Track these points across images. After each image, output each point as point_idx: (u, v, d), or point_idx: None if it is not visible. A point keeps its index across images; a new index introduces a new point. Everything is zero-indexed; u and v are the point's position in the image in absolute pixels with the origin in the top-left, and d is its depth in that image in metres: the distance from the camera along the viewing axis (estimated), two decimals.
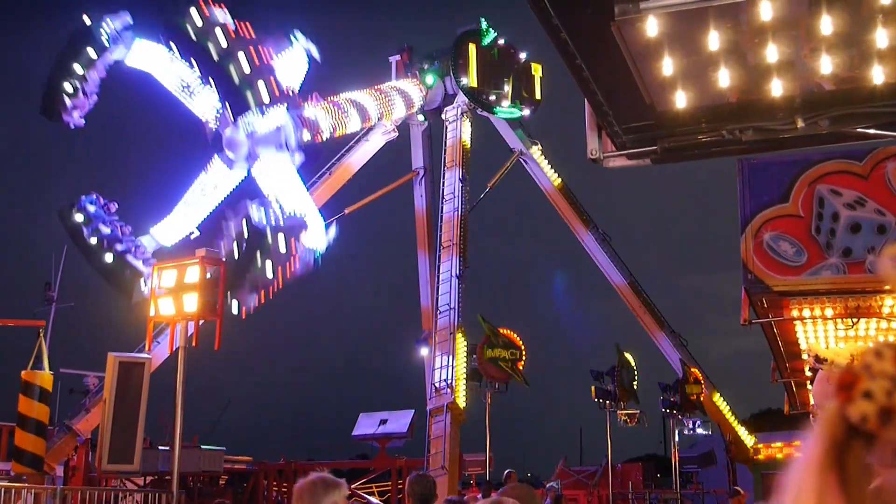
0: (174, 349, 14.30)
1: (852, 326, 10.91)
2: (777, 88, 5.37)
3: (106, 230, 21.09)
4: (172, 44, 19.94)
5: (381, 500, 28.71)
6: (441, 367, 25.04)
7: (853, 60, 5.17)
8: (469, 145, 29.57)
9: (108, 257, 20.92)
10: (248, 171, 20.26)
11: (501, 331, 25.55)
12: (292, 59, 21.24)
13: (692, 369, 29.76)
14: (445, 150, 29.37)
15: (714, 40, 5.02)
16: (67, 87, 20.75)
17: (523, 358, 25.44)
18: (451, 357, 24.94)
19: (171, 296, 13.87)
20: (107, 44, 20.87)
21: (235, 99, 19.17)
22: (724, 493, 32.30)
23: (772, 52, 5.10)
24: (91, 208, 21.24)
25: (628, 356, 29.05)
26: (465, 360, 25.00)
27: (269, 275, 18.34)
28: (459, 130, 29.25)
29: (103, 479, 21.98)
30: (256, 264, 18.28)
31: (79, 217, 21.14)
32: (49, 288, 29.92)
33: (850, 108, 5.51)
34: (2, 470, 24.59)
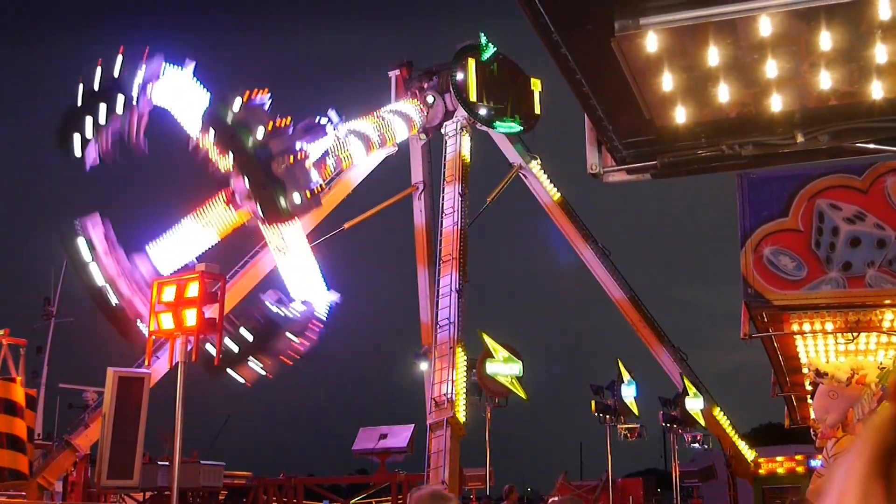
0: (174, 364, 14.17)
1: (852, 340, 10.67)
2: (777, 103, 5.38)
3: (112, 269, 20.87)
4: (213, 129, 19.86)
5: None
6: (441, 382, 25.01)
7: (852, 75, 5.17)
8: (469, 160, 29.63)
9: (113, 300, 20.84)
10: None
11: (501, 345, 25.55)
12: (323, 142, 21.63)
13: (691, 383, 29.72)
14: (445, 165, 29.42)
15: (714, 56, 5.02)
16: (86, 133, 20.38)
17: (523, 372, 25.43)
18: (450, 371, 24.92)
19: (171, 311, 13.84)
20: (135, 100, 20.44)
21: (266, 200, 19.48)
22: None
23: (771, 68, 5.10)
24: (96, 242, 21.00)
25: (628, 370, 29.04)
26: (464, 374, 24.97)
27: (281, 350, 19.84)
28: (459, 145, 29.32)
29: (102, 495, 21.93)
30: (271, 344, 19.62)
31: (84, 250, 20.91)
32: (48, 303, 29.92)
33: (849, 122, 5.51)
34: None
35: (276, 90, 19.98)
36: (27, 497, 20.67)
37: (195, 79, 20.62)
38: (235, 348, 18.81)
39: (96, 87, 20.51)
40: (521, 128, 29.87)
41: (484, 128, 30.18)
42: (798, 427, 19.54)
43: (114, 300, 20.69)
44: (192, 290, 13.51)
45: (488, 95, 28.70)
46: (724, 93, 5.30)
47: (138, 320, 20.12)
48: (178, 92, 20.79)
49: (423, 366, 30.17)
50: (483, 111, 28.84)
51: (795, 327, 10.12)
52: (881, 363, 11.39)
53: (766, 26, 4.76)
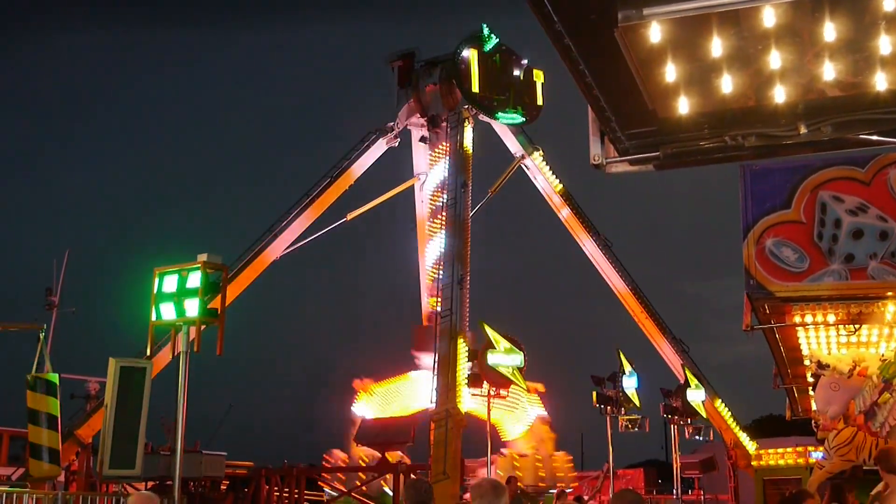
0: (176, 354, 14.16)
1: (854, 332, 10.92)
2: (780, 95, 5.37)
3: None
4: None
5: None
6: (442, 372, 24.97)
7: (856, 67, 5.16)
8: (470, 151, 29.58)
9: None
10: None
11: (503, 336, 25.49)
12: None
13: (692, 375, 29.70)
14: (447, 156, 29.36)
15: (717, 46, 5.01)
16: None
17: (524, 363, 25.37)
18: (452, 362, 24.87)
19: (173, 300, 13.82)
20: None
21: None
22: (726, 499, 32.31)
23: (775, 59, 5.09)
24: None
25: (629, 361, 28.95)
26: (466, 365, 24.94)
27: None
28: (461, 136, 29.24)
29: (104, 485, 21.93)
30: None
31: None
32: (50, 293, 29.87)
33: (852, 114, 5.49)
34: (1, 475, 24.61)
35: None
36: (29, 487, 20.71)
37: None
38: None
39: None
40: (523, 119, 29.80)
41: (486, 119, 30.11)
42: (799, 419, 19.65)
43: None
44: (194, 279, 13.60)
45: (490, 86, 28.62)
46: (727, 83, 5.28)
47: None
48: None
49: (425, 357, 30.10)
50: (485, 102, 28.77)
51: (797, 319, 10.37)
52: (883, 355, 11.56)
53: (769, 17, 4.75)
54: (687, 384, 29.47)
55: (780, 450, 30.14)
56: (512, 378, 24.79)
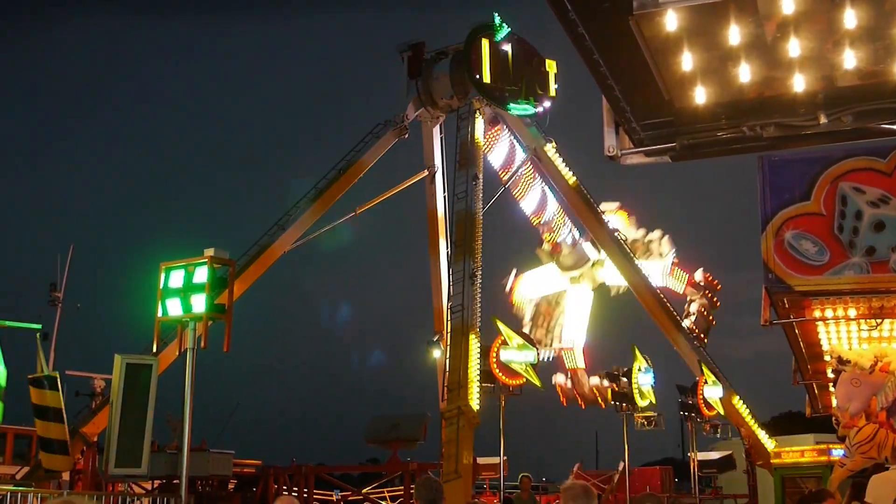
0: (182, 350, 13.98)
1: (876, 327, 10.75)
2: (799, 83, 5.32)
3: None
4: None
5: None
6: (454, 369, 24.63)
7: (877, 54, 5.11)
8: (481, 143, 29.18)
9: None
10: None
11: (516, 332, 25.16)
12: None
13: (709, 371, 29.26)
14: (458, 148, 28.98)
15: (735, 34, 4.97)
16: None
17: (538, 360, 25.04)
18: (464, 359, 24.53)
19: (179, 296, 13.58)
20: None
21: None
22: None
23: (794, 47, 5.05)
24: None
25: (645, 358, 28.59)
26: (478, 361, 24.63)
27: None
28: (472, 128, 28.82)
29: (110, 484, 21.74)
30: None
31: None
32: (54, 289, 29.74)
33: (874, 103, 5.42)
34: (6, 474, 24.45)
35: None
36: (34, 486, 20.55)
37: None
38: None
39: None
40: (536, 110, 29.34)
41: (497, 110, 29.69)
42: (820, 416, 19.43)
43: None
44: (201, 274, 13.44)
45: (502, 77, 28.16)
46: (745, 72, 5.23)
47: None
48: None
49: (436, 353, 29.94)
50: (496, 93, 28.31)
51: (817, 313, 10.17)
52: None
53: (788, 4, 4.69)
54: (704, 381, 29.05)
55: (800, 447, 29.68)
56: (525, 374, 24.45)
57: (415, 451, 28.00)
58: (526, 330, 32.65)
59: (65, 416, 17.34)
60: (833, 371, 12.65)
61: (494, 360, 23.91)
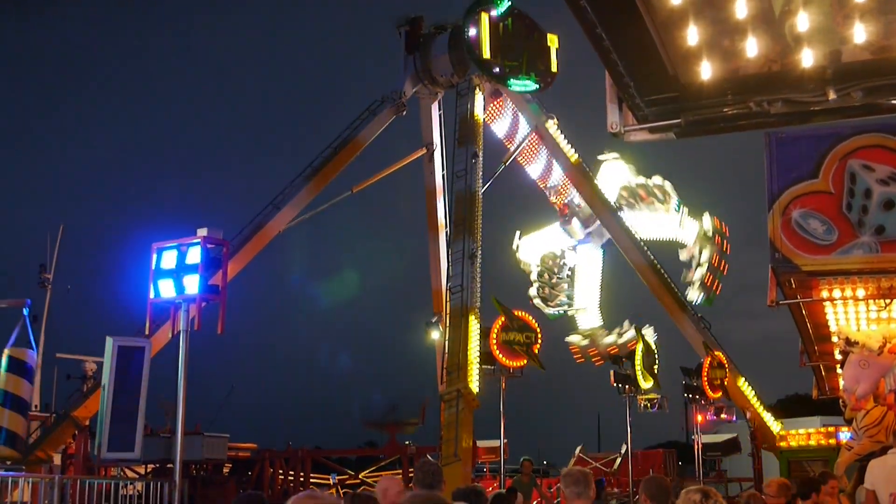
0: (175, 332, 13.74)
1: (885, 308, 10.72)
2: (808, 58, 5.22)
3: None
4: None
5: None
6: (453, 351, 24.15)
7: (888, 28, 5.01)
8: (481, 120, 28.70)
9: None
10: None
11: (516, 313, 24.71)
12: None
13: (715, 353, 28.84)
14: (457, 126, 28.50)
15: (741, 7, 4.92)
16: None
17: (539, 341, 24.63)
18: (463, 340, 24.08)
19: (172, 277, 13.29)
20: None
21: None
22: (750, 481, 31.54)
23: (802, 20, 4.97)
24: None
25: (648, 339, 28.14)
26: (477, 343, 24.23)
27: None
28: (471, 104, 28.30)
29: (103, 468, 21.49)
30: None
31: None
32: (44, 270, 29.46)
33: (884, 78, 5.31)
34: None
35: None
36: (25, 470, 20.31)
37: None
38: None
39: None
40: (537, 86, 28.80)
41: (498, 86, 29.19)
42: (826, 398, 19.55)
43: None
44: (194, 254, 13.17)
45: (502, 52, 27.61)
46: (752, 47, 5.16)
47: None
48: None
49: (435, 334, 29.60)
50: (496, 68, 27.76)
51: (825, 294, 10.10)
52: None
53: None
54: (711, 363, 28.62)
55: (807, 430, 29.41)
56: (525, 356, 24.04)
57: (413, 435, 27.78)
58: (534, 288, 33.05)
59: (27, 408, 16.75)
60: (841, 352, 12.71)
61: (494, 341, 23.46)
